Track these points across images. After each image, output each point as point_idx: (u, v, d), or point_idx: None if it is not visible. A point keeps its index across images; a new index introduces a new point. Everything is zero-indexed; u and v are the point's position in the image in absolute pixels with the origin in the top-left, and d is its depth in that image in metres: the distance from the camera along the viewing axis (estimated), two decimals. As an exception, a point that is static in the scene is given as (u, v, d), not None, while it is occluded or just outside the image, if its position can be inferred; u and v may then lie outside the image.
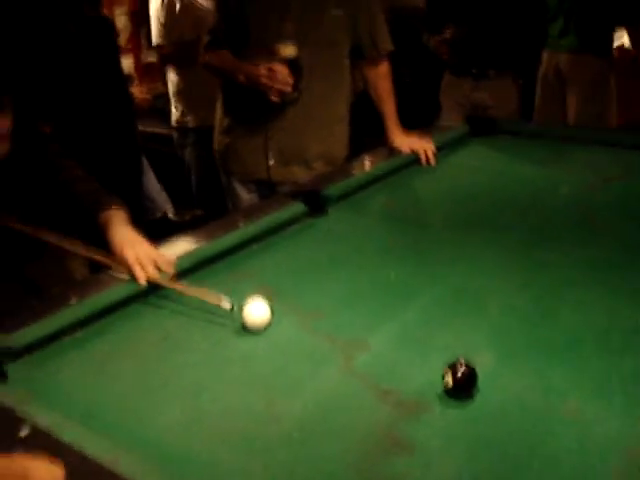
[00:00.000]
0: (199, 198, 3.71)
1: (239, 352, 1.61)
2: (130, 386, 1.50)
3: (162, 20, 3.50)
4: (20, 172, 2.15)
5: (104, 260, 1.90)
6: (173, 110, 3.59)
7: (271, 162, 2.74)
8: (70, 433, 1.28)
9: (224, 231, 2.08)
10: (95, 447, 1.24)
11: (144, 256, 1.85)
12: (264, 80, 2.53)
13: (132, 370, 1.56)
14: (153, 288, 1.83)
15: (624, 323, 1.65)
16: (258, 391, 1.47)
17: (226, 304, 1.71)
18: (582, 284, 1.84)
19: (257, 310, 1.67)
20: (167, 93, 3.65)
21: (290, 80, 2.54)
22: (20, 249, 2.16)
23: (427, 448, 1.28)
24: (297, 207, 2.24)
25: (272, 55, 2.54)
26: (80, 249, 1.96)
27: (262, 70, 2.51)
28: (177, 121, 3.60)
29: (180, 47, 3.50)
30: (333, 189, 2.37)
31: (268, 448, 1.29)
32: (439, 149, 2.79)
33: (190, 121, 3.55)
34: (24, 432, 1.29)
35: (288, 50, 2.55)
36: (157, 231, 2.31)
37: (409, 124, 2.86)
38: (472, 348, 1.55)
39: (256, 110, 2.70)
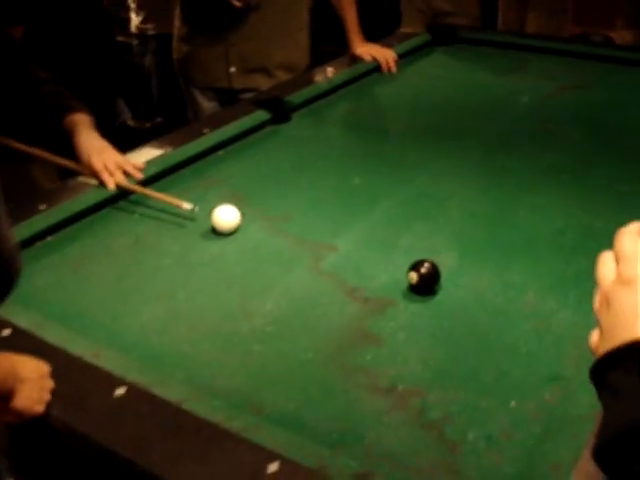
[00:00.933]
0: (160, 106, 3.68)
1: (210, 255, 1.66)
2: (105, 288, 1.55)
3: None
4: None
5: (72, 166, 1.91)
6: (133, 17, 3.52)
7: (232, 69, 2.73)
8: (50, 332, 1.33)
9: (190, 138, 2.10)
10: (76, 345, 1.29)
11: (112, 162, 1.86)
12: None
13: (106, 273, 1.60)
14: (122, 193, 1.86)
15: (578, 224, 1.73)
16: (231, 291, 1.52)
17: (187, 205, 1.75)
18: (540, 189, 1.91)
19: (226, 213, 1.71)
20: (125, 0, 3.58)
21: None
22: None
23: (393, 340, 1.35)
24: (261, 114, 2.26)
25: None
26: (46, 155, 1.97)
27: None
28: (137, 28, 3.54)
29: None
30: (296, 96, 2.39)
31: (243, 342, 1.36)
32: (400, 57, 2.80)
33: (150, 28, 3.49)
34: (6, 332, 1.33)
35: None
36: (117, 139, 2.31)
37: (370, 33, 2.86)
38: (434, 249, 1.62)
39: (217, 17, 2.67)
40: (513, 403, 1.20)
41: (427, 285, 1.47)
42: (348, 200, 1.86)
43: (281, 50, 2.77)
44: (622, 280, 0.67)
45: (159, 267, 1.62)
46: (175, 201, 1.78)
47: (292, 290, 1.52)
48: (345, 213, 1.80)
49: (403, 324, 1.40)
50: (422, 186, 1.93)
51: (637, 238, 0.69)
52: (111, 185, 1.83)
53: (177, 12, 2.81)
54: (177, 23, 2.83)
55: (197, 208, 1.74)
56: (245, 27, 2.67)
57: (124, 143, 2.09)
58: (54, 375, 1.18)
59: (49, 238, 1.72)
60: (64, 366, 1.23)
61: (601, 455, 0.60)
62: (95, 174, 1.85)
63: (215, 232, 1.71)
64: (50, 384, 1.17)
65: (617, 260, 0.69)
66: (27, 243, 1.68)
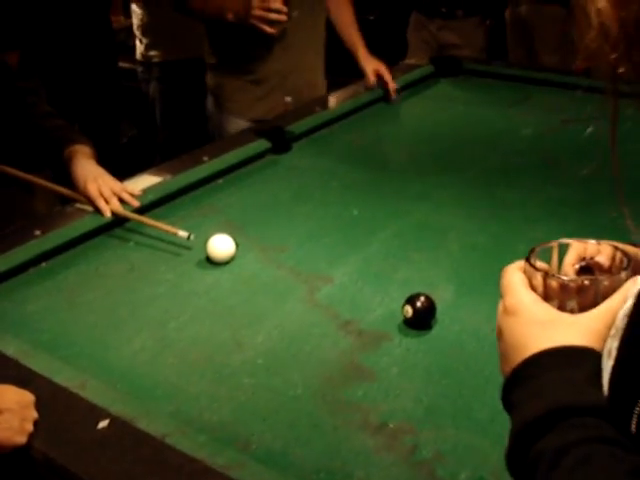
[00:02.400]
0: (163, 133, 3.68)
1: (204, 284, 1.63)
2: (97, 316, 1.53)
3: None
4: None
5: (68, 193, 1.90)
6: (137, 44, 3.53)
7: (288, 99, 2.70)
8: (37, 361, 1.31)
9: (189, 166, 2.09)
10: (63, 374, 1.27)
11: (107, 189, 1.85)
12: (258, 12, 2.46)
13: (99, 301, 1.58)
14: (117, 221, 1.84)
15: (579, 259, 1.70)
16: (223, 321, 1.50)
17: (182, 233, 1.73)
18: (541, 222, 1.89)
19: (221, 243, 1.69)
20: (130, 26, 3.59)
21: (283, 8, 2.47)
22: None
23: (386, 375, 1.32)
24: (261, 143, 2.25)
25: None
26: (42, 182, 1.96)
27: (255, 1, 2.46)
28: (142, 55, 3.54)
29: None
30: (297, 126, 2.38)
31: (233, 374, 1.33)
32: (404, 88, 2.79)
33: (155, 55, 3.49)
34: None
35: None
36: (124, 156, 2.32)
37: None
38: (432, 282, 1.60)
39: (247, 47, 2.65)
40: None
41: (422, 319, 1.45)
42: (346, 231, 1.84)
43: (316, 73, 2.78)
44: (507, 310, 0.75)
45: (152, 295, 1.59)
46: (171, 229, 1.76)
47: (285, 322, 1.49)
48: (342, 244, 1.78)
49: (397, 359, 1.37)
50: (421, 218, 1.91)
51: (518, 272, 0.77)
52: (107, 212, 1.82)
53: (206, 43, 2.79)
54: (208, 54, 2.80)
55: (193, 236, 1.73)
56: (288, 55, 2.65)
57: (131, 161, 2.08)
58: (37, 405, 1.16)
59: (43, 264, 1.71)
60: (49, 396, 1.20)
61: (509, 465, 0.69)
62: (91, 201, 1.84)
63: (210, 261, 1.69)
64: (33, 414, 1.14)
65: (503, 293, 0.77)
66: (21, 269, 1.67)
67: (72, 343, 1.43)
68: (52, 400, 1.20)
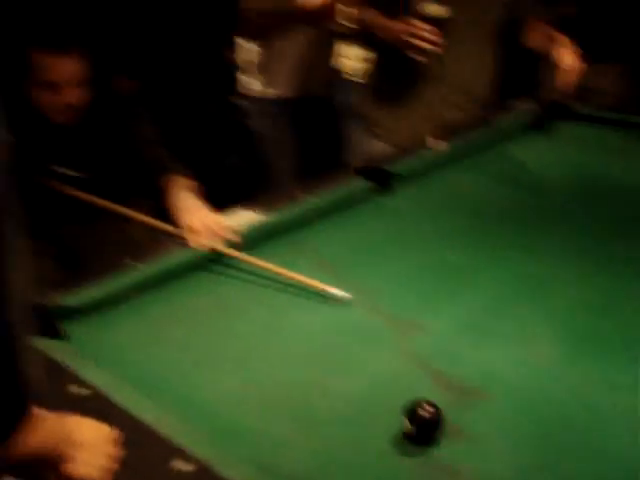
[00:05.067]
0: (268, 169, 3.70)
1: (294, 325, 1.59)
2: (184, 353, 1.51)
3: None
4: (90, 131, 2.18)
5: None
6: (250, 80, 3.58)
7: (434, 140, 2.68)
8: (121, 395, 1.29)
9: (287, 204, 2.06)
10: (144, 410, 1.24)
11: (205, 223, 1.85)
12: (409, 38, 2.44)
13: (187, 337, 1.56)
14: (213, 255, 1.83)
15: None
16: (311, 365, 1.45)
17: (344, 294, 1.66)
18: (654, 279, 1.77)
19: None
20: (243, 63, 3.64)
21: (437, 38, 2.44)
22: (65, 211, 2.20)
23: (478, 434, 1.24)
24: (362, 183, 2.21)
25: (418, 14, 2.45)
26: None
27: (407, 27, 2.43)
28: (254, 91, 3.58)
29: (260, 17, 3.46)
30: (401, 166, 2.33)
31: (318, 422, 1.28)
32: (508, 132, 2.70)
33: (266, 92, 3.53)
34: (75, 390, 1.30)
35: (435, 9, 2.45)
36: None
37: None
38: (532, 338, 1.51)
39: (396, 71, 2.65)
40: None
41: (424, 435, 1.22)
42: (443, 278, 1.77)
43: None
44: None
45: (241, 333, 1.56)
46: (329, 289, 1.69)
47: (374, 370, 1.43)
48: (439, 292, 1.71)
49: (490, 417, 1.29)
50: (523, 268, 1.82)
51: None
52: (202, 247, 1.81)
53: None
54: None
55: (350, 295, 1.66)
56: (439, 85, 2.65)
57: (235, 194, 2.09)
58: (117, 441, 1.14)
59: (135, 297, 1.71)
60: (128, 432, 1.18)
61: None
62: (188, 234, 1.84)
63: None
64: (113, 451, 1.12)
65: None
66: (112, 301, 1.67)
67: (156, 379, 1.41)
68: (131, 436, 1.17)
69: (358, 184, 2.20)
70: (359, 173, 2.25)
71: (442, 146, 2.49)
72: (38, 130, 2.22)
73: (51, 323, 1.55)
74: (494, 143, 2.63)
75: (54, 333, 1.53)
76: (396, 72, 2.67)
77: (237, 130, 3.63)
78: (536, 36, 2.84)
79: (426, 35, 2.42)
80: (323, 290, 1.68)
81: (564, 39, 2.78)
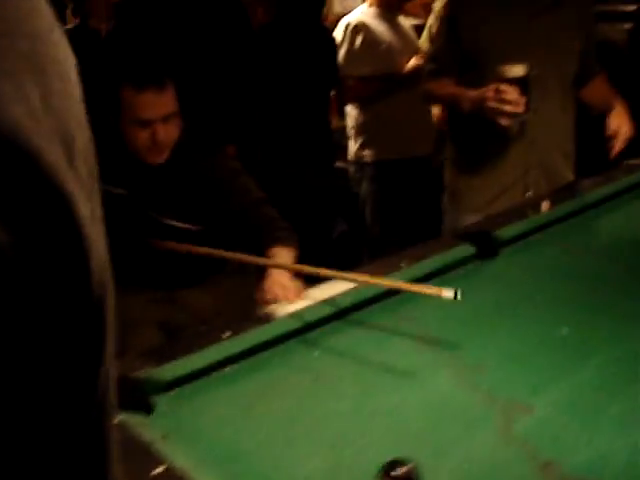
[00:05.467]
0: (373, 231, 3.66)
1: (389, 403, 1.50)
2: (273, 430, 1.44)
3: (342, 54, 3.49)
4: (185, 174, 2.20)
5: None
6: (351, 144, 3.57)
7: (529, 194, 2.62)
8: (204, 476, 1.23)
9: (386, 270, 1.99)
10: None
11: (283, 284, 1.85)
12: (492, 103, 2.37)
13: (277, 413, 1.50)
14: (306, 326, 1.77)
15: None
16: (406, 448, 1.35)
17: (447, 293, 1.65)
18: None
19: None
20: (344, 127, 3.64)
21: (521, 99, 2.36)
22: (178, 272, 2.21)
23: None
24: (465, 248, 2.11)
25: (498, 77, 2.40)
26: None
27: (489, 92, 2.37)
28: (355, 155, 3.58)
29: (360, 82, 3.47)
30: (506, 230, 2.22)
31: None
32: (628, 190, 2.55)
33: (367, 155, 3.51)
34: (158, 470, 1.25)
35: (516, 70, 2.39)
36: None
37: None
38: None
39: (485, 140, 2.60)
40: None
41: None
42: (552, 353, 1.63)
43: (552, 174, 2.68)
44: None
45: (333, 412, 1.48)
46: (432, 290, 1.70)
47: (474, 456, 1.32)
48: (547, 368, 1.57)
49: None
50: (641, 343, 1.66)
51: None
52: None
53: (449, 143, 2.77)
54: (450, 151, 2.78)
55: (459, 293, 1.64)
56: (529, 148, 2.58)
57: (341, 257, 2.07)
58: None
59: (227, 369, 1.66)
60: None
61: None
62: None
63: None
64: None
65: None
66: (203, 372, 1.63)
67: (243, 458, 1.35)
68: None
69: (461, 250, 2.10)
70: (463, 238, 2.15)
71: (546, 207, 2.38)
72: (136, 176, 2.24)
73: (144, 398, 1.53)
74: (609, 202, 2.48)
75: (146, 408, 1.51)
76: (484, 139, 2.59)
77: (341, 195, 3.63)
78: (595, 92, 2.71)
79: (512, 98, 2.33)
80: (426, 292, 1.70)
81: (619, 101, 2.65)
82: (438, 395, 1.51)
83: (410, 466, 1.16)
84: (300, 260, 2.09)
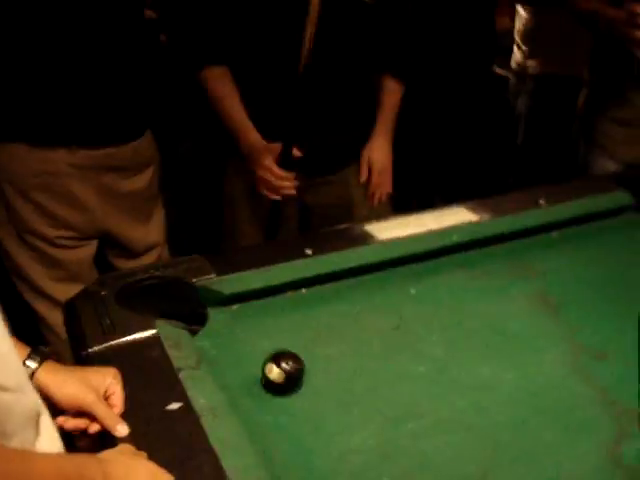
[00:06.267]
0: (522, 153, 3.25)
1: (479, 376, 1.21)
2: (327, 381, 1.18)
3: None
4: None
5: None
6: (515, 51, 3.13)
7: None
8: (222, 424, 1.01)
9: (518, 207, 1.65)
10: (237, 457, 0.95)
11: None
12: (624, 29, 1.94)
13: (340, 360, 1.24)
14: (407, 257, 1.49)
15: None
16: (484, 437, 1.07)
17: None
18: None
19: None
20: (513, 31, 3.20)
21: None
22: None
23: None
24: (620, 196, 1.73)
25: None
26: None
27: (621, 14, 1.93)
28: (517, 64, 3.14)
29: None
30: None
31: None
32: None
33: (531, 67, 3.07)
34: (172, 406, 1.04)
35: None
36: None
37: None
38: None
39: (622, 77, 2.15)
40: None
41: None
42: None
43: None
44: None
45: (406, 374, 1.21)
46: None
47: (569, 466, 1.02)
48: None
49: None
50: None
51: None
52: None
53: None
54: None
55: None
56: None
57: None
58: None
59: (303, 291, 1.42)
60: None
61: None
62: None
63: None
64: None
65: None
66: (278, 289, 1.40)
67: (285, 407, 1.11)
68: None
69: (615, 197, 1.72)
70: (619, 182, 1.76)
71: None
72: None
73: (197, 309, 1.32)
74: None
75: (197, 320, 1.30)
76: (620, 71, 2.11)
77: (497, 105, 3.22)
78: None
79: None
80: None
81: None
82: (543, 378, 1.20)
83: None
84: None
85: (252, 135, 1.89)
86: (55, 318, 1.68)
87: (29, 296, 1.80)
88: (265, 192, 1.88)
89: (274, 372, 1.12)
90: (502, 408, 1.13)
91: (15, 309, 1.84)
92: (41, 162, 1.68)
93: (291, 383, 1.13)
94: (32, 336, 1.79)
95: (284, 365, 1.12)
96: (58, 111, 1.66)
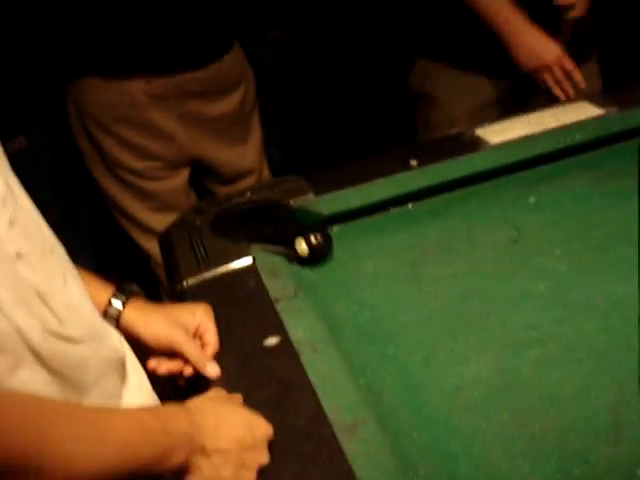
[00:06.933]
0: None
1: (611, 294, 1.07)
2: (436, 305, 1.08)
3: None
4: None
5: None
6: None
7: None
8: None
9: None
10: (343, 399, 0.87)
11: None
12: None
13: (449, 281, 1.13)
14: (525, 162, 1.34)
15: None
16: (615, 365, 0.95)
17: None
18: None
19: None
20: None
21: None
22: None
23: None
24: None
25: None
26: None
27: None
28: None
29: None
30: None
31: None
32: None
33: None
34: (270, 341, 0.97)
35: None
36: None
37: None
38: None
39: None
40: None
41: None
42: None
43: None
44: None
45: (526, 293, 1.09)
46: None
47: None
48: None
49: None
50: None
51: None
52: None
53: None
54: None
55: None
56: None
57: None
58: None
59: (410, 206, 1.31)
60: (301, 427, 0.83)
61: None
62: None
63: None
64: (259, 459, 0.77)
65: None
66: (380, 206, 1.30)
67: (392, 338, 1.03)
68: (303, 438, 0.82)
69: None
70: None
71: None
72: None
73: (293, 232, 1.23)
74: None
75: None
76: None
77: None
78: None
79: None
80: None
81: None
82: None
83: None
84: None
85: None
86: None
87: (131, 231, 1.78)
88: None
89: (302, 246, 1.13)
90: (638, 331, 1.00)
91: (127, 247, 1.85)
92: (117, 94, 1.62)
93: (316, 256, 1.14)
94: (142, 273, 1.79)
95: (312, 239, 1.13)
96: (128, 37, 1.59)
